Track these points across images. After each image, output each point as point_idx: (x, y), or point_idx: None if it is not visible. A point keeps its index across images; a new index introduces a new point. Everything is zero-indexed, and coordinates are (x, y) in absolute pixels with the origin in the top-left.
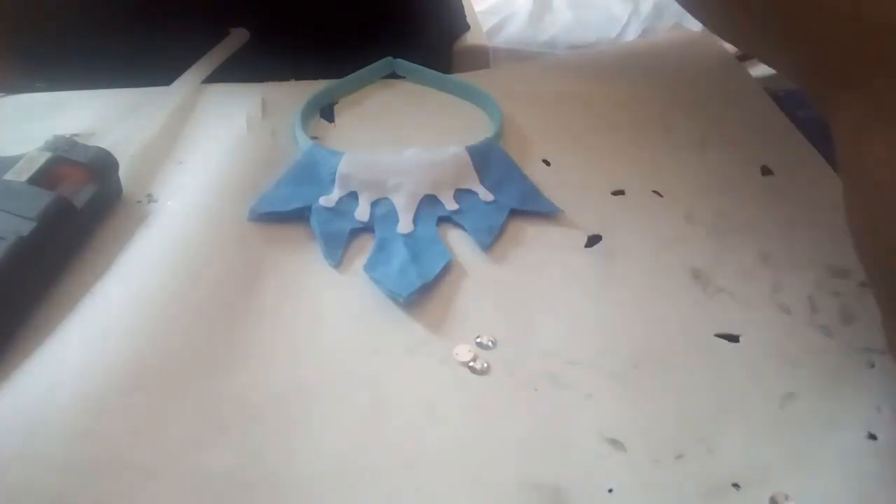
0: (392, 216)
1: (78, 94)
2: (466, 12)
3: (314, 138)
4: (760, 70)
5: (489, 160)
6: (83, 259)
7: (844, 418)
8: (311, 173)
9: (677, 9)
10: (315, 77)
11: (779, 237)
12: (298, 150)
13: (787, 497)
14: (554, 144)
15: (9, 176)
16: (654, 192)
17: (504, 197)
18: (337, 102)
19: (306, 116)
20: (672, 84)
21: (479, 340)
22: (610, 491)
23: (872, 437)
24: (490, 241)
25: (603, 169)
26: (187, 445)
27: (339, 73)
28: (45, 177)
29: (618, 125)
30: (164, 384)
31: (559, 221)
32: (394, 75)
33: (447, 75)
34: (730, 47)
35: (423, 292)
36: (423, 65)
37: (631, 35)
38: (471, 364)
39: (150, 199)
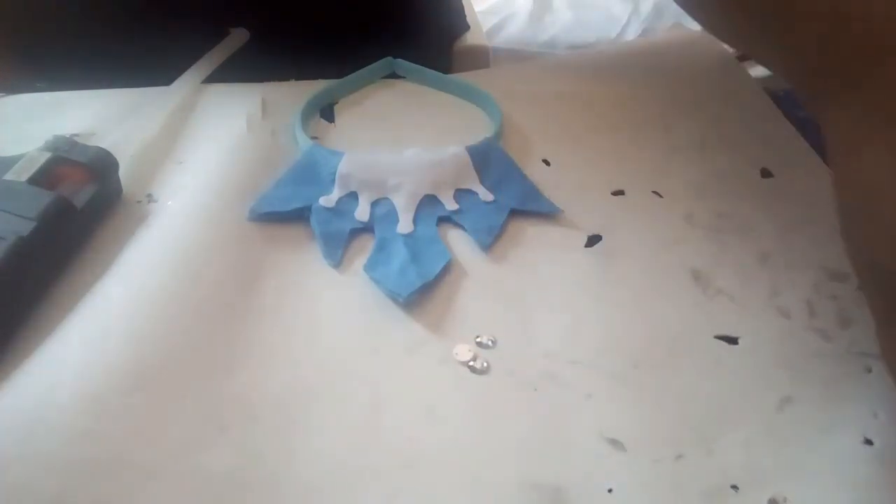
0: (392, 216)
1: (78, 94)
2: (466, 12)
3: (314, 138)
4: (760, 70)
5: (489, 160)
6: (83, 259)
7: (841, 423)
8: (311, 173)
9: (677, 9)
10: (315, 77)
11: (778, 238)
12: (298, 150)
13: (785, 500)
14: (554, 144)
15: (9, 176)
16: (654, 192)
17: (504, 197)
18: (337, 102)
19: (306, 116)
20: (672, 84)
21: (478, 340)
22: (610, 491)
23: (869, 442)
24: (490, 241)
25: (603, 169)
26: (187, 445)
27: (340, 73)
28: (45, 177)
29: (618, 125)
30: (164, 384)
31: (559, 221)
32: (394, 75)
33: (447, 75)
34: (729, 47)
35: (422, 292)
36: (423, 65)
37: (631, 35)
38: (471, 364)
39: (150, 199)
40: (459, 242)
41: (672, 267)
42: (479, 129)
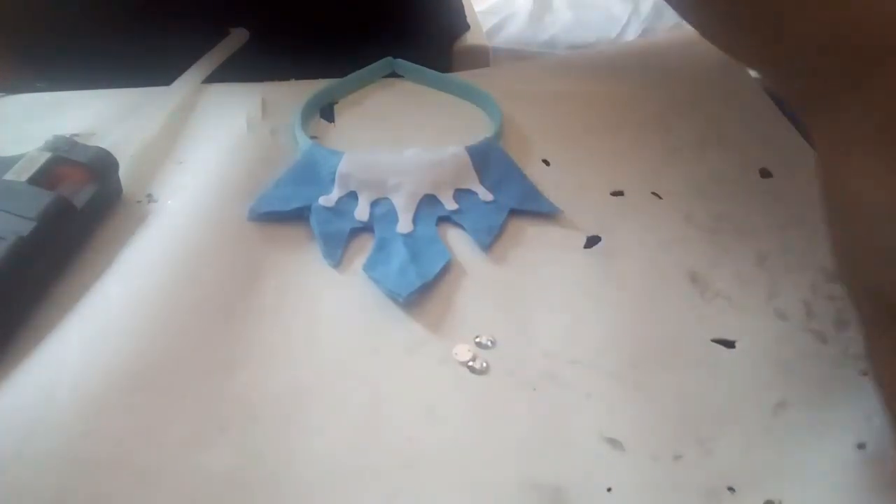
0: (392, 216)
1: (78, 94)
2: (466, 12)
3: (314, 138)
4: None
5: (489, 160)
6: (83, 259)
7: (835, 427)
8: (310, 173)
9: None
10: (315, 77)
11: (776, 240)
12: (298, 149)
13: (781, 503)
14: (554, 144)
15: (9, 176)
16: (653, 193)
17: (503, 197)
18: (337, 102)
19: (306, 116)
20: (672, 84)
21: (478, 340)
22: (609, 490)
23: (862, 446)
24: (489, 240)
25: (602, 169)
26: (187, 445)
27: (339, 73)
28: (45, 177)
29: (618, 125)
30: (164, 384)
31: (558, 222)
32: (394, 75)
33: (447, 75)
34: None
35: (422, 292)
36: (423, 65)
37: (631, 35)
38: (470, 364)
39: (150, 199)
40: (459, 242)
41: (671, 268)
42: (478, 129)
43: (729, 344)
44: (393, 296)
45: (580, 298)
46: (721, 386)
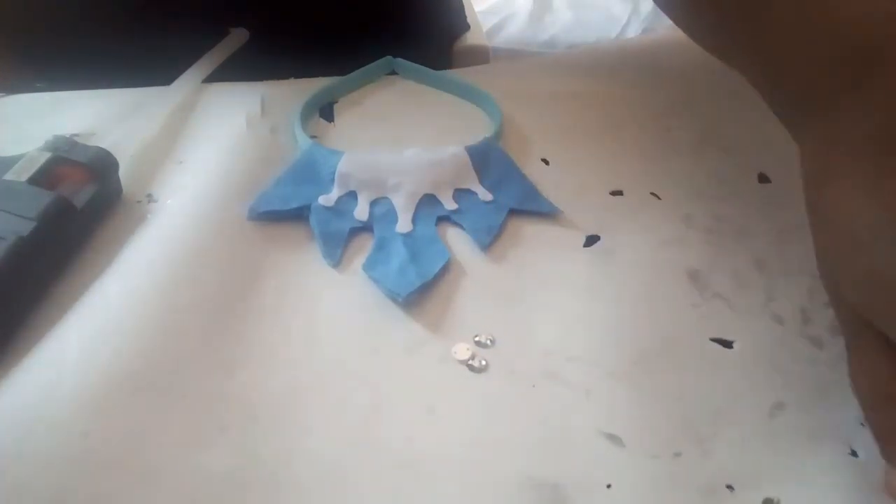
0: (391, 216)
1: (78, 94)
2: (466, 12)
3: (314, 137)
4: None
5: (488, 160)
6: (83, 259)
7: (829, 432)
8: (310, 172)
9: None
10: (315, 76)
11: (774, 243)
12: (298, 149)
13: (779, 502)
14: (553, 144)
15: (9, 176)
16: (652, 193)
17: (503, 197)
18: (337, 101)
19: (306, 115)
20: (671, 84)
21: (477, 339)
22: (608, 487)
23: (854, 454)
24: (489, 240)
25: (602, 169)
26: (187, 445)
27: (339, 72)
28: (45, 177)
29: (617, 125)
30: (164, 384)
31: (558, 221)
32: (394, 74)
33: (447, 74)
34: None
35: (421, 292)
36: (423, 64)
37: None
38: (469, 362)
39: (150, 198)
40: (458, 242)
41: (669, 267)
42: (478, 128)
43: (727, 344)
44: (392, 295)
45: (579, 297)
46: (719, 386)
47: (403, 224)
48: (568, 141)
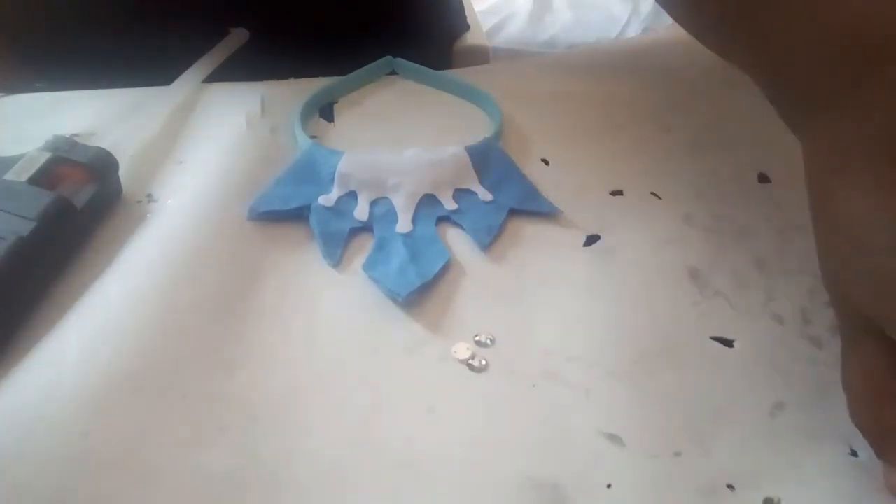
0: (391, 216)
1: (78, 94)
2: (466, 12)
3: (314, 137)
4: None
5: (488, 160)
6: (83, 259)
7: (829, 432)
8: (310, 172)
9: None
10: (315, 76)
11: (774, 243)
12: (298, 148)
13: (780, 501)
14: (553, 144)
15: (9, 176)
16: (653, 193)
17: (503, 197)
18: (337, 101)
19: (306, 115)
20: (671, 84)
21: (477, 339)
22: (608, 486)
23: (854, 454)
24: (489, 240)
25: (602, 169)
26: (187, 445)
27: (339, 72)
28: (45, 177)
29: (617, 125)
30: (164, 384)
31: (558, 221)
32: (394, 74)
33: (447, 74)
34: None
35: (421, 292)
36: (423, 64)
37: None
38: (469, 362)
39: (150, 198)
40: (458, 242)
41: (670, 267)
42: (478, 128)
43: (727, 342)
44: (392, 295)
45: (579, 297)
46: (719, 384)
47: (403, 224)
48: (568, 141)
